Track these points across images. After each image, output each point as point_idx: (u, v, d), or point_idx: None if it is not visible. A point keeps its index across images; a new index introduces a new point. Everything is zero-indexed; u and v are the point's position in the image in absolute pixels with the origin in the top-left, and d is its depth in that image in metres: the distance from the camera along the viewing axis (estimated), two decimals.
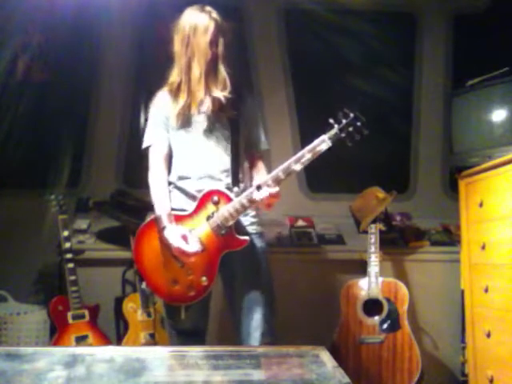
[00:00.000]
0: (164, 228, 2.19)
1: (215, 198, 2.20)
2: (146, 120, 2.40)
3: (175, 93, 2.28)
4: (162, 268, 2.23)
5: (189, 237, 2.18)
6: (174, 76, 2.29)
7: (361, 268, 3.23)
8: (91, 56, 3.70)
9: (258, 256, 2.30)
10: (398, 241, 3.51)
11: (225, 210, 2.18)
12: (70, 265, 3.03)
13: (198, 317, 2.32)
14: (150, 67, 3.88)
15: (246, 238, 2.20)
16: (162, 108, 2.33)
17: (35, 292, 3.33)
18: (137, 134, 3.88)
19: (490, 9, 3.61)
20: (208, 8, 2.26)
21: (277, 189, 2.13)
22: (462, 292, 3.09)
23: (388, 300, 3.07)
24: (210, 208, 2.20)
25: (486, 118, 2.98)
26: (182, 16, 2.29)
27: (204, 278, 2.19)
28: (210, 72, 2.22)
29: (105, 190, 3.47)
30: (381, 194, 3.23)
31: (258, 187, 2.15)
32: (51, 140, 3.65)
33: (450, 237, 3.54)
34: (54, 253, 3.16)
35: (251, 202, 2.15)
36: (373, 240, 3.14)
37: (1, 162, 3.47)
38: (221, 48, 2.22)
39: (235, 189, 2.25)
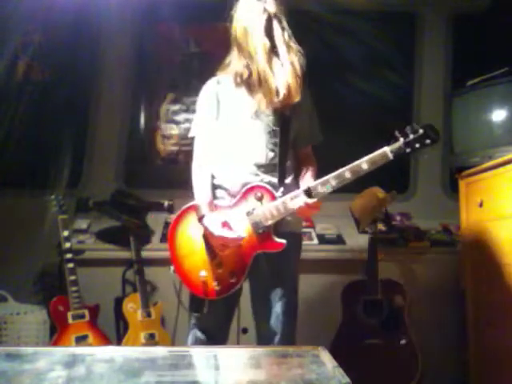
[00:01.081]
0: (203, 216, 2.14)
1: (258, 194, 2.13)
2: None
3: (248, 85, 2.20)
4: (192, 256, 2.19)
5: (230, 223, 2.13)
6: (239, 66, 2.20)
7: (361, 268, 3.23)
8: (91, 56, 3.70)
9: (290, 260, 2.23)
10: (398, 241, 3.51)
11: (266, 208, 2.11)
12: (70, 265, 3.03)
13: (222, 318, 2.27)
14: (150, 67, 3.88)
15: (283, 241, 2.12)
16: (215, 95, 2.25)
17: (35, 292, 3.33)
18: (137, 133, 3.90)
19: (490, 9, 3.61)
20: None
21: (314, 200, 2.07)
22: (462, 292, 3.09)
23: (388, 300, 3.07)
24: (251, 203, 2.14)
25: (486, 118, 2.98)
26: (239, 4, 2.22)
27: (232, 275, 2.15)
28: (272, 62, 2.16)
29: (105, 190, 3.47)
30: (381, 193, 3.23)
31: (307, 191, 2.08)
32: (51, 140, 3.65)
33: (449, 237, 3.54)
34: (54, 253, 3.16)
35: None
36: (373, 240, 3.14)
37: (1, 161, 3.46)
38: (278, 38, 2.17)
39: (281, 188, 2.16)
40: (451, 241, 3.50)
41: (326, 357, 1.75)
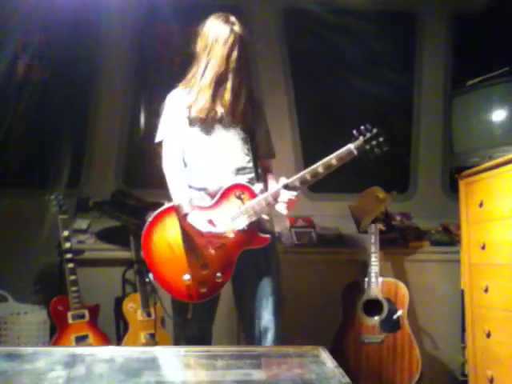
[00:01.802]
0: (186, 215, 2.14)
1: (238, 193, 2.18)
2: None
3: (191, 93, 2.28)
4: (173, 260, 2.17)
5: (215, 220, 2.14)
6: (191, 76, 2.30)
7: (361, 268, 3.23)
8: (91, 56, 3.70)
9: (272, 257, 2.27)
10: (398, 241, 3.51)
11: (249, 205, 2.15)
12: (70, 265, 3.03)
13: (206, 321, 2.28)
14: (150, 67, 3.88)
15: (268, 236, 2.18)
16: (179, 104, 2.31)
17: (35, 292, 3.33)
18: (137, 133, 3.90)
19: (490, 9, 3.61)
20: (232, 19, 2.28)
21: (295, 193, 2.14)
22: (462, 292, 3.09)
23: (388, 300, 3.07)
24: (232, 202, 2.17)
25: (486, 118, 2.98)
26: (207, 22, 2.31)
27: (219, 274, 2.14)
28: (219, 84, 2.23)
29: (105, 190, 3.47)
30: (381, 193, 3.23)
31: (286, 186, 2.14)
32: (51, 140, 3.65)
33: (450, 237, 3.54)
34: (54, 253, 3.16)
35: (276, 199, 2.15)
36: (373, 240, 3.14)
37: (1, 161, 3.47)
38: (234, 62, 2.23)
39: (259, 185, 2.23)
40: (451, 241, 3.50)
41: (326, 357, 1.75)
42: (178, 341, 2.30)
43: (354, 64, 3.79)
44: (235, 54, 2.23)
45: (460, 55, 3.79)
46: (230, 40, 2.23)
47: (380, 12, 3.81)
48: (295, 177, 2.16)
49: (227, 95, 2.22)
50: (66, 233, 3.08)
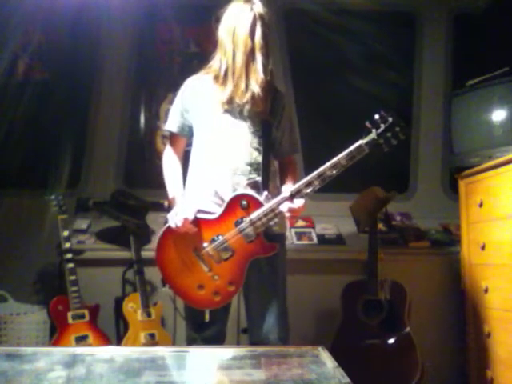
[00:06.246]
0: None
1: (244, 203, 2.11)
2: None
3: (222, 80, 2.21)
4: (187, 272, 2.17)
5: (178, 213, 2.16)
6: (218, 63, 2.22)
7: (361, 268, 3.23)
8: (91, 56, 3.71)
9: (276, 260, 2.25)
10: (398, 241, 3.51)
11: (254, 215, 2.10)
12: (70, 265, 3.03)
13: (220, 319, 2.27)
14: (150, 67, 3.88)
15: (275, 244, 2.15)
16: (197, 92, 2.27)
17: (35, 292, 3.33)
18: (137, 133, 3.90)
19: (490, 9, 3.62)
20: None
21: (300, 204, 2.09)
22: (462, 292, 3.09)
23: (388, 300, 3.07)
24: (238, 213, 2.12)
25: (486, 118, 2.98)
26: (230, 5, 2.24)
27: (230, 284, 2.14)
28: (249, 63, 2.16)
29: (105, 190, 3.47)
30: (381, 193, 3.23)
31: (292, 195, 2.08)
32: (51, 140, 3.65)
33: (450, 237, 3.54)
34: (54, 253, 3.16)
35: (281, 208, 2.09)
36: (373, 240, 3.14)
37: (1, 162, 3.47)
38: (258, 40, 2.16)
39: (264, 193, 2.16)
40: (451, 241, 3.50)
41: (325, 357, 1.75)
42: (191, 342, 2.29)
43: (354, 64, 3.79)
44: (258, 31, 2.17)
45: (460, 55, 3.79)
46: (251, 18, 2.17)
47: (380, 12, 3.81)
48: (301, 183, 2.10)
49: (260, 74, 2.14)
50: (65, 233, 3.08)
